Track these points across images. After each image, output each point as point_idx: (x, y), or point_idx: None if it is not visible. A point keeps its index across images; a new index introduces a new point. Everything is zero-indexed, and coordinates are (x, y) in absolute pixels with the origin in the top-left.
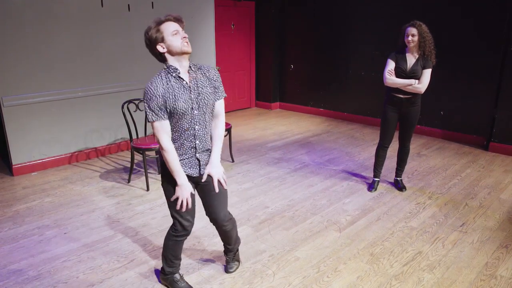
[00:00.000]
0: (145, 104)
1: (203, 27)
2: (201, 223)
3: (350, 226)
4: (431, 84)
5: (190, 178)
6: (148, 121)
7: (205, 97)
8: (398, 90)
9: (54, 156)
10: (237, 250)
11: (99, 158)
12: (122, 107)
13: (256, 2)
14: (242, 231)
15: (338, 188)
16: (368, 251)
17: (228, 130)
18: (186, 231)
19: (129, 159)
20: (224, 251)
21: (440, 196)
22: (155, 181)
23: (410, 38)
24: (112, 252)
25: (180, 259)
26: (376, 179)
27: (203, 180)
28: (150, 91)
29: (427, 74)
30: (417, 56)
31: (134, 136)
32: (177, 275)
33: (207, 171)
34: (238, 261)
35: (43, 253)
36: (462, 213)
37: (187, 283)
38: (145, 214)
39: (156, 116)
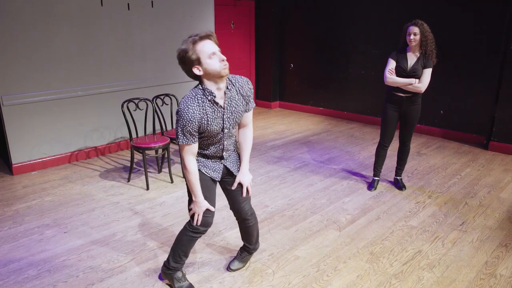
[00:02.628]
0: (178, 127)
1: (203, 25)
2: None
3: (350, 225)
4: (431, 83)
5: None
6: (176, 143)
7: (237, 116)
8: (398, 88)
9: (54, 155)
10: (252, 253)
11: (99, 157)
12: (122, 106)
13: (256, 1)
14: None
15: (338, 187)
16: (368, 250)
17: None
18: (205, 228)
19: (129, 158)
20: (242, 248)
21: (440, 195)
22: (155, 180)
23: (412, 37)
24: (112, 251)
25: (187, 257)
26: (376, 178)
27: (233, 188)
28: (186, 117)
29: (427, 73)
30: (418, 55)
31: (134, 135)
32: (179, 273)
33: (237, 179)
34: (245, 263)
35: (43, 252)
36: (462, 212)
37: (188, 281)
38: (145, 213)
39: (187, 140)
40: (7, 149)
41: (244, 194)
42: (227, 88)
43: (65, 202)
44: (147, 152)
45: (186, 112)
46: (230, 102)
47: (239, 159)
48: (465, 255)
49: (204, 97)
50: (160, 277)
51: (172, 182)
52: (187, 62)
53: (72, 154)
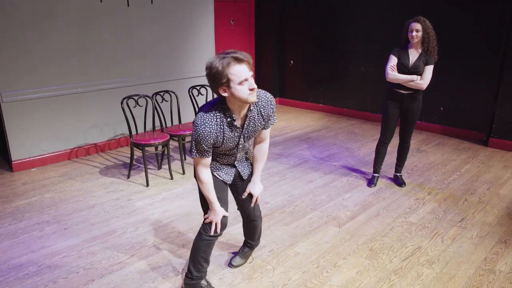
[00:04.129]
0: (193, 141)
1: (202, 22)
2: (202, 220)
3: (349, 221)
4: (432, 81)
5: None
6: (190, 156)
7: (254, 133)
8: (399, 85)
9: (53, 152)
10: (254, 248)
11: (99, 154)
12: (122, 102)
13: (256, 0)
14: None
15: (338, 184)
16: (367, 246)
17: None
18: (222, 231)
19: (129, 155)
20: (244, 244)
21: (440, 191)
22: (155, 176)
23: (414, 33)
24: (112, 247)
25: (208, 263)
26: (376, 174)
27: (243, 197)
28: (202, 135)
29: (429, 70)
30: (420, 52)
31: (133, 132)
32: (204, 281)
33: (248, 189)
34: (246, 259)
35: (43, 249)
36: (461, 209)
37: None
38: (145, 210)
39: (201, 155)
40: (7, 146)
41: (253, 203)
42: (249, 109)
43: (65, 198)
44: (146, 148)
45: (202, 129)
46: (249, 122)
47: (250, 165)
48: (465, 251)
49: (224, 118)
50: None
51: (172, 178)
52: (216, 81)
53: (71, 151)
